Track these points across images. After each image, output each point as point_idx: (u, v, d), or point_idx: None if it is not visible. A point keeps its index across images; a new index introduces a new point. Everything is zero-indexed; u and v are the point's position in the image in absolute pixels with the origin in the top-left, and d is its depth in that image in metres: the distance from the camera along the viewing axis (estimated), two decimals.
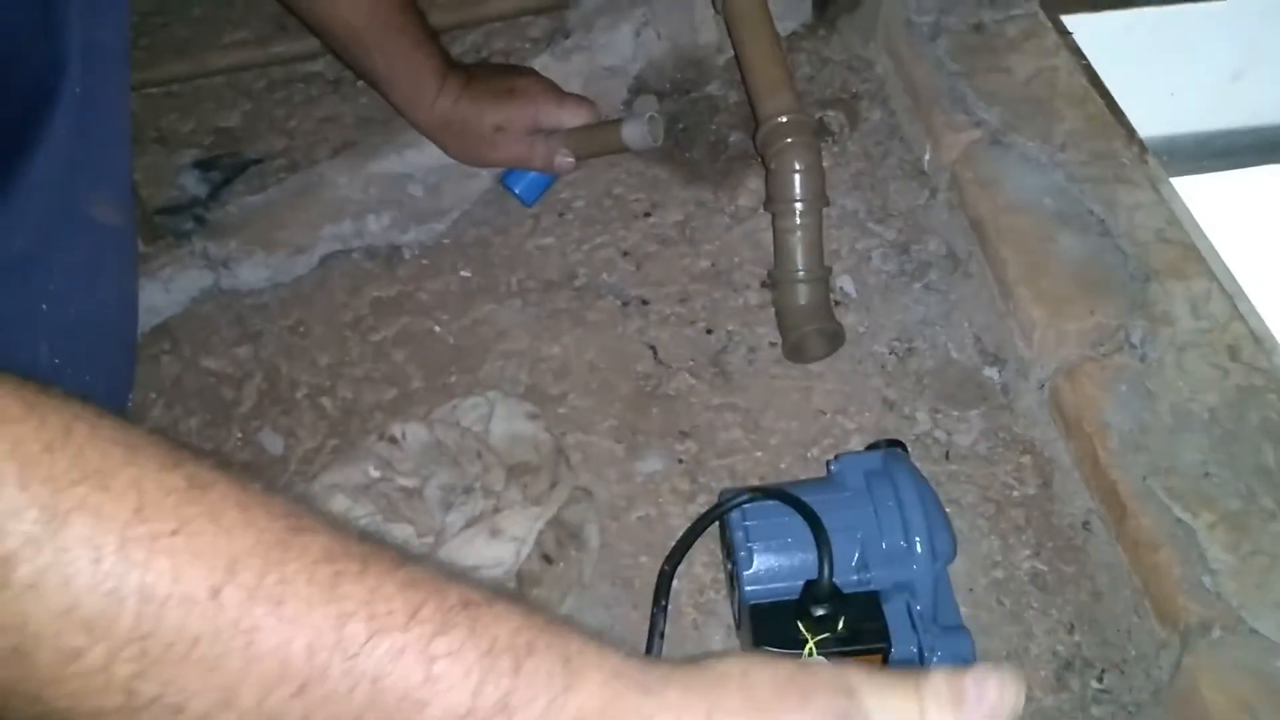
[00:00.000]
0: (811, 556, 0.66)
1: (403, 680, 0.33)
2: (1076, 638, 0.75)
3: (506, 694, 0.34)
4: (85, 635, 0.30)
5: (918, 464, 0.76)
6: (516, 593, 0.75)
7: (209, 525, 0.32)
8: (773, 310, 0.91)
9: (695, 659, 0.40)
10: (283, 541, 0.33)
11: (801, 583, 0.67)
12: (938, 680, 0.41)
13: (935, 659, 0.67)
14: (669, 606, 0.71)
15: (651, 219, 1.00)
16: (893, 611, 0.67)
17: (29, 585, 0.30)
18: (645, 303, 0.94)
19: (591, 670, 0.36)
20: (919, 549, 0.68)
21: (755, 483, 0.83)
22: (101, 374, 0.66)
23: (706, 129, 1.06)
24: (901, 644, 0.66)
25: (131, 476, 0.32)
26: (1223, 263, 0.92)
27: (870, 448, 0.79)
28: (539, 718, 0.35)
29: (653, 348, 0.91)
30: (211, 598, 0.31)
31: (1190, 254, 0.87)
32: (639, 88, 1.09)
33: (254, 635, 0.32)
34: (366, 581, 0.34)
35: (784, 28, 1.09)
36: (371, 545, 0.35)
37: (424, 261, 0.98)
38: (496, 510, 0.78)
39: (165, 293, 0.94)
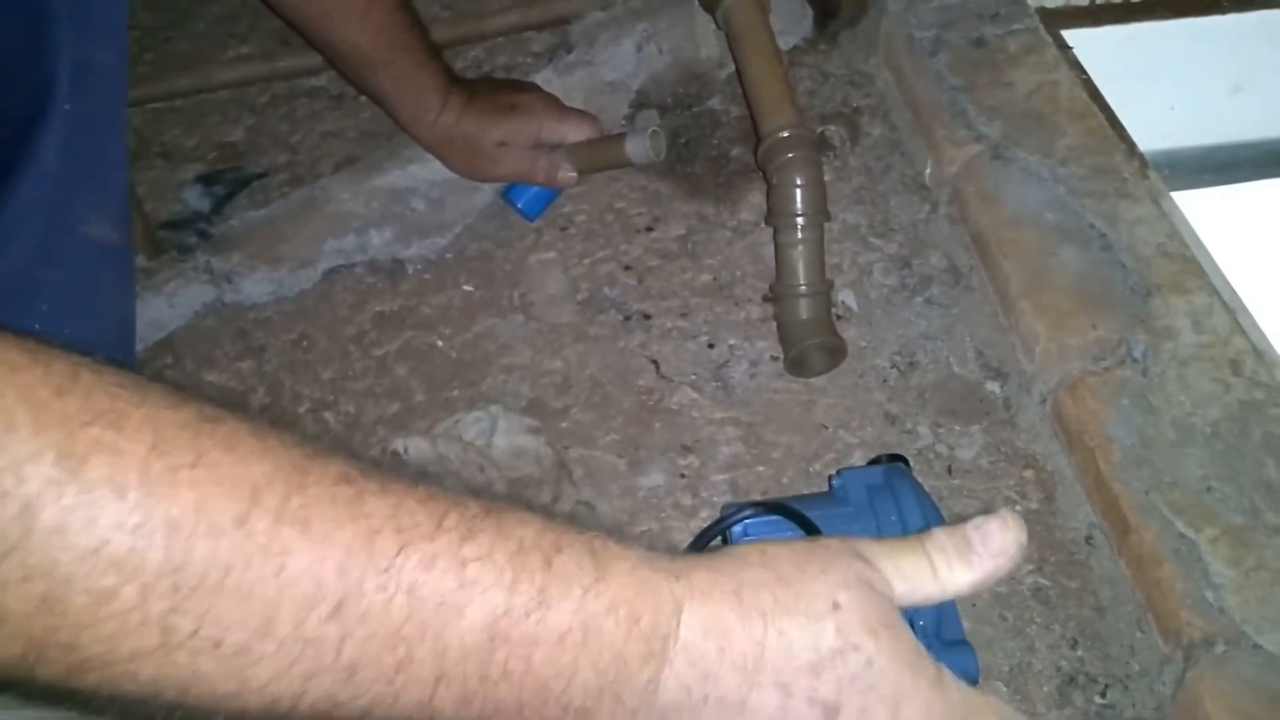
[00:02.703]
0: None
1: (438, 587, 0.33)
2: (1079, 653, 0.75)
3: (541, 589, 0.35)
4: (116, 574, 0.30)
5: (920, 478, 0.76)
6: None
7: (226, 455, 0.32)
8: (774, 324, 0.91)
9: (710, 551, 0.41)
10: (300, 467, 0.33)
11: None
12: (940, 536, 0.42)
13: None
14: None
15: (653, 233, 1.00)
16: None
17: (54, 529, 0.29)
18: (647, 317, 0.94)
19: (619, 561, 0.37)
20: None
21: (757, 497, 0.83)
22: None
23: (708, 143, 1.06)
24: None
25: (143, 415, 0.31)
26: (1224, 277, 0.92)
27: (872, 462, 0.78)
28: (575, 609, 0.35)
29: (655, 362, 0.91)
30: (238, 525, 0.31)
31: (1191, 268, 0.87)
32: (641, 102, 1.09)
33: (284, 559, 0.32)
34: (388, 499, 0.34)
35: (785, 42, 1.10)
36: (384, 470, 0.36)
37: (426, 276, 0.99)
38: None
39: (169, 307, 0.95)
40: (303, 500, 0.32)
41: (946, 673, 0.40)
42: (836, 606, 0.38)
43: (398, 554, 0.33)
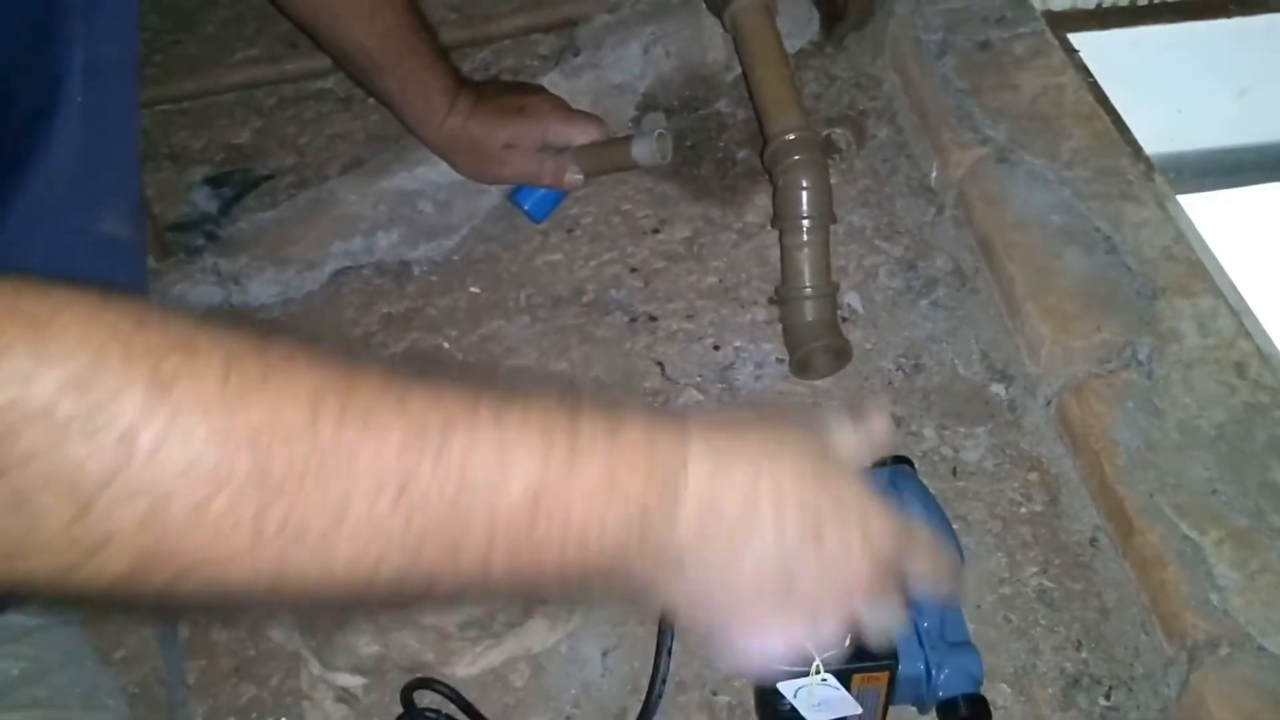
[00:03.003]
0: None
1: (484, 466, 0.38)
2: (1084, 655, 0.75)
3: (569, 456, 0.40)
4: (209, 484, 0.33)
5: (925, 480, 0.77)
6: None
7: (287, 372, 0.35)
8: (780, 326, 0.91)
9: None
10: (347, 376, 0.37)
11: None
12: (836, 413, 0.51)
13: (943, 675, 0.67)
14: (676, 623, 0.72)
15: (659, 235, 1.00)
16: (900, 628, 0.67)
17: (152, 451, 0.32)
18: (653, 319, 0.95)
19: (630, 423, 0.42)
20: None
21: None
22: None
23: (714, 146, 1.07)
24: (909, 661, 0.66)
25: (212, 343, 0.34)
26: (1229, 280, 0.92)
27: (877, 464, 0.79)
28: (600, 470, 0.40)
29: (660, 363, 0.92)
30: (309, 429, 0.35)
31: (1197, 271, 0.87)
32: (647, 105, 1.09)
33: (352, 453, 0.35)
34: (426, 395, 0.38)
35: (792, 45, 1.10)
36: (415, 369, 0.39)
37: (433, 278, 0.99)
38: None
39: None
40: (358, 403, 0.36)
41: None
42: (809, 450, 0.46)
43: (444, 441, 0.37)
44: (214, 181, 1.03)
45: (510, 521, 0.38)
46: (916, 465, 0.79)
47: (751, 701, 0.72)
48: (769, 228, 0.98)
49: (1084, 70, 1.06)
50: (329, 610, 0.41)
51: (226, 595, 0.35)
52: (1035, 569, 0.79)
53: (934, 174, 1.01)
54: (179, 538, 0.33)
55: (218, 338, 0.35)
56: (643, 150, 0.95)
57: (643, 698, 0.71)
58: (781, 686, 0.65)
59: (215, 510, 0.33)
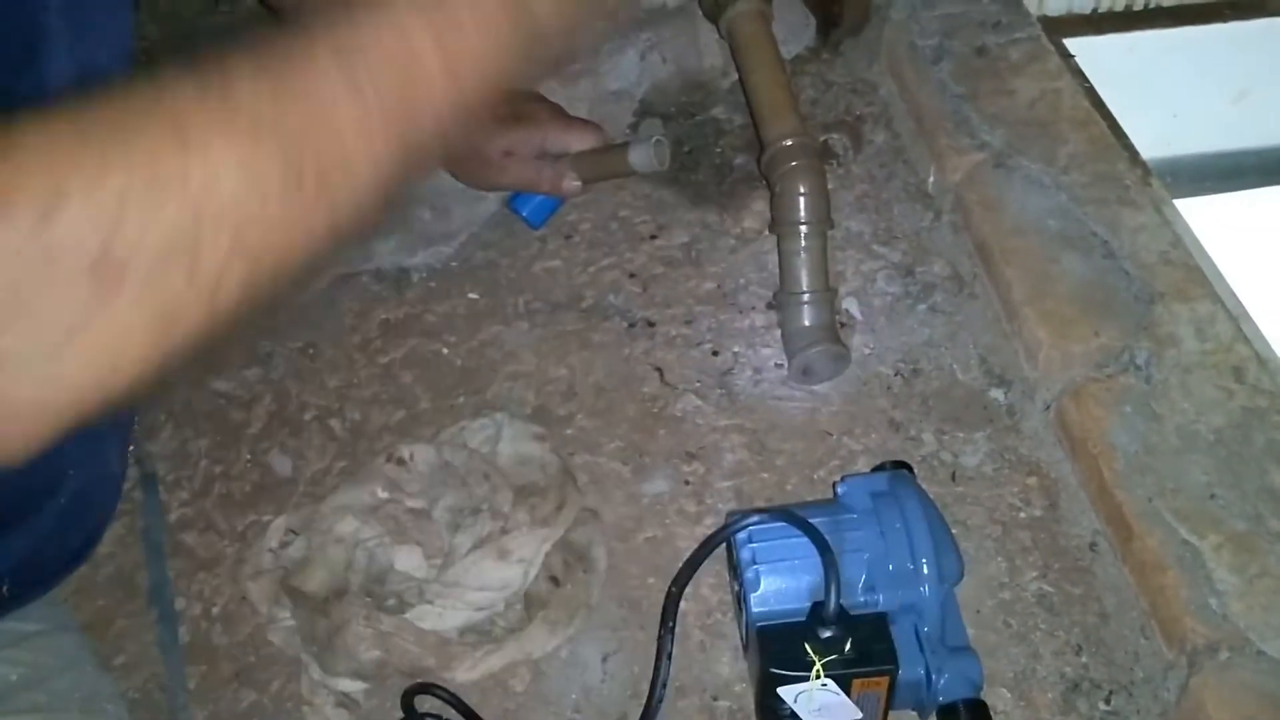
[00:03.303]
0: (818, 578, 0.67)
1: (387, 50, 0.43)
2: (1084, 659, 0.75)
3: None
4: (261, 186, 0.39)
5: (924, 485, 0.77)
6: None
7: (231, 89, 0.41)
8: (778, 332, 0.92)
9: None
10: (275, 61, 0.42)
11: (809, 604, 0.67)
12: None
13: (943, 680, 0.67)
14: (676, 628, 0.72)
15: (657, 241, 1.01)
16: (900, 633, 0.67)
17: (209, 186, 0.38)
18: (651, 324, 0.95)
19: None
20: (926, 570, 0.69)
21: (761, 504, 0.83)
22: None
23: (712, 152, 1.07)
24: (909, 665, 0.66)
25: (175, 101, 0.39)
26: (1227, 284, 0.92)
27: (876, 469, 0.79)
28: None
29: (659, 369, 0.92)
30: (280, 112, 0.40)
31: (1194, 276, 0.88)
32: (645, 111, 1.10)
33: (329, 99, 0.41)
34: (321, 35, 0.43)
35: (788, 51, 1.10)
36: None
37: (432, 284, 0.99)
38: (504, 531, 0.78)
39: None
40: (288, 68, 0.42)
41: None
42: None
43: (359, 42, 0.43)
44: None
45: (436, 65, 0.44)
46: (915, 470, 0.79)
47: (752, 706, 0.72)
48: (767, 233, 0.98)
49: (1080, 75, 1.07)
50: (369, 226, 0.45)
51: (304, 269, 0.42)
52: (1035, 573, 0.79)
53: (931, 179, 1.01)
54: (259, 235, 0.39)
55: (176, 97, 0.39)
56: (640, 156, 0.95)
57: (643, 702, 0.72)
58: (781, 691, 0.65)
59: (272, 194, 0.39)
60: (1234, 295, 0.92)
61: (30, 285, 0.34)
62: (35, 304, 0.35)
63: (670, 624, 0.71)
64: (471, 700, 0.74)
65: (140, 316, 0.37)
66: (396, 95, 0.43)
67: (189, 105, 0.38)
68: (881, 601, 0.69)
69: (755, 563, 0.69)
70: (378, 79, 0.42)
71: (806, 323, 0.88)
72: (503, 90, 0.48)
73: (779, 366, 0.91)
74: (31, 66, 0.53)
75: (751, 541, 0.70)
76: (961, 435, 0.86)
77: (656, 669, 0.71)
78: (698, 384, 0.91)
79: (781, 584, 0.69)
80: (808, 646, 0.65)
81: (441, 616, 0.75)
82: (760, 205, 1.01)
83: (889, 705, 0.68)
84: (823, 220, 0.88)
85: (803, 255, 0.88)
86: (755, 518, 0.70)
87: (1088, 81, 1.06)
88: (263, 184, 0.39)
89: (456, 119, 0.46)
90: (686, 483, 0.85)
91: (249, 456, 0.89)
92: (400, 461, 0.83)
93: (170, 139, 0.37)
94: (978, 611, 0.77)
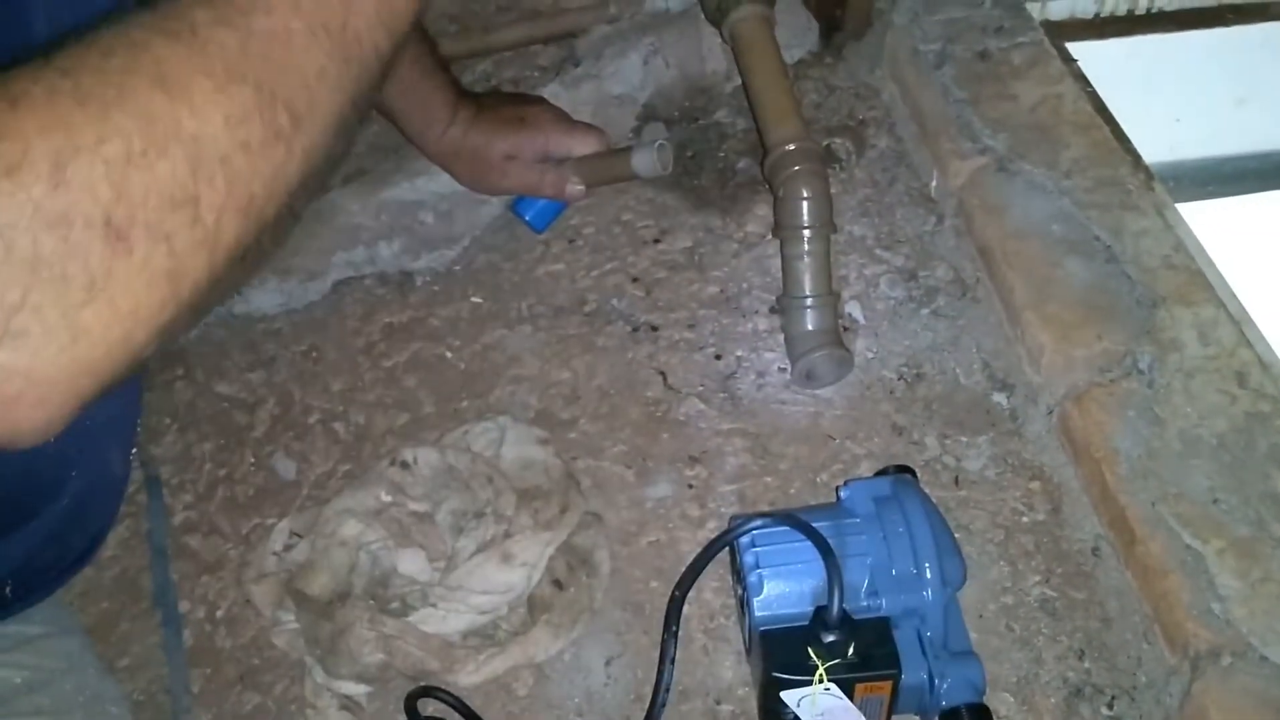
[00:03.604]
0: (821, 582, 0.67)
1: None
2: (1086, 664, 0.75)
3: None
4: (239, 127, 0.39)
5: (927, 490, 0.77)
6: None
7: (240, 13, 0.41)
8: (781, 336, 0.92)
9: None
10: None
11: (812, 608, 0.67)
12: None
13: (945, 685, 0.67)
14: (679, 632, 0.72)
15: (660, 245, 1.01)
16: (903, 637, 0.67)
17: (197, 134, 0.38)
18: (655, 328, 0.95)
19: None
20: (929, 575, 0.69)
21: (765, 508, 0.83)
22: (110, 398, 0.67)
23: (715, 156, 1.07)
24: (912, 670, 0.66)
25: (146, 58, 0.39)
26: (1229, 288, 0.92)
27: (879, 473, 0.79)
28: None
29: (662, 373, 0.92)
30: (246, 50, 0.40)
31: (1197, 280, 0.88)
32: (648, 115, 1.10)
33: (281, 36, 0.41)
34: None
35: (791, 55, 1.10)
36: None
37: (435, 288, 0.99)
38: (507, 535, 0.78)
39: None
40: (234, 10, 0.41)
41: None
42: None
43: None
44: None
45: None
46: (918, 474, 0.80)
47: (755, 710, 0.72)
48: (770, 237, 0.98)
49: (1083, 79, 1.07)
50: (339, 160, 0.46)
51: (285, 217, 0.42)
52: (1037, 578, 0.79)
53: (934, 183, 1.01)
54: (248, 181, 0.39)
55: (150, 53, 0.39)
56: (643, 161, 0.95)
57: (646, 706, 0.72)
58: (785, 695, 0.65)
59: (254, 139, 0.39)
60: (1237, 299, 0.92)
61: (49, 245, 0.35)
62: (55, 264, 0.35)
63: (673, 628, 0.71)
64: (474, 703, 0.74)
65: (153, 272, 0.37)
66: (339, 25, 0.44)
67: (166, 54, 0.39)
68: (884, 606, 0.69)
69: (758, 567, 0.69)
70: (322, 10, 0.43)
71: (809, 327, 0.88)
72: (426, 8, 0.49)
73: (782, 370, 0.91)
74: (15, 28, 0.53)
75: (755, 546, 0.70)
76: (964, 439, 0.86)
77: (659, 673, 0.71)
78: (701, 388, 0.91)
79: (784, 588, 0.69)
80: (811, 651, 0.65)
81: (445, 620, 0.75)
82: (763, 209, 1.01)
83: (892, 709, 0.68)
84: (825, 224, 0.89)
85: (806, 259, 0.88)
86: (758, 522, 0.70)
87: (1090, 86, 1.07)
88: (245, 129, 0.39)
89: (391, 42, 0.47)
90: (690, 486, 0.85)
91: (253, 460, 0.89)
92: (404, 465, 0.83)
93: (160, 92, 0.37)
94: (980, 616, 0.77)
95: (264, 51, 0.41)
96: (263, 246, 0.43)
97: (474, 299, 0.98)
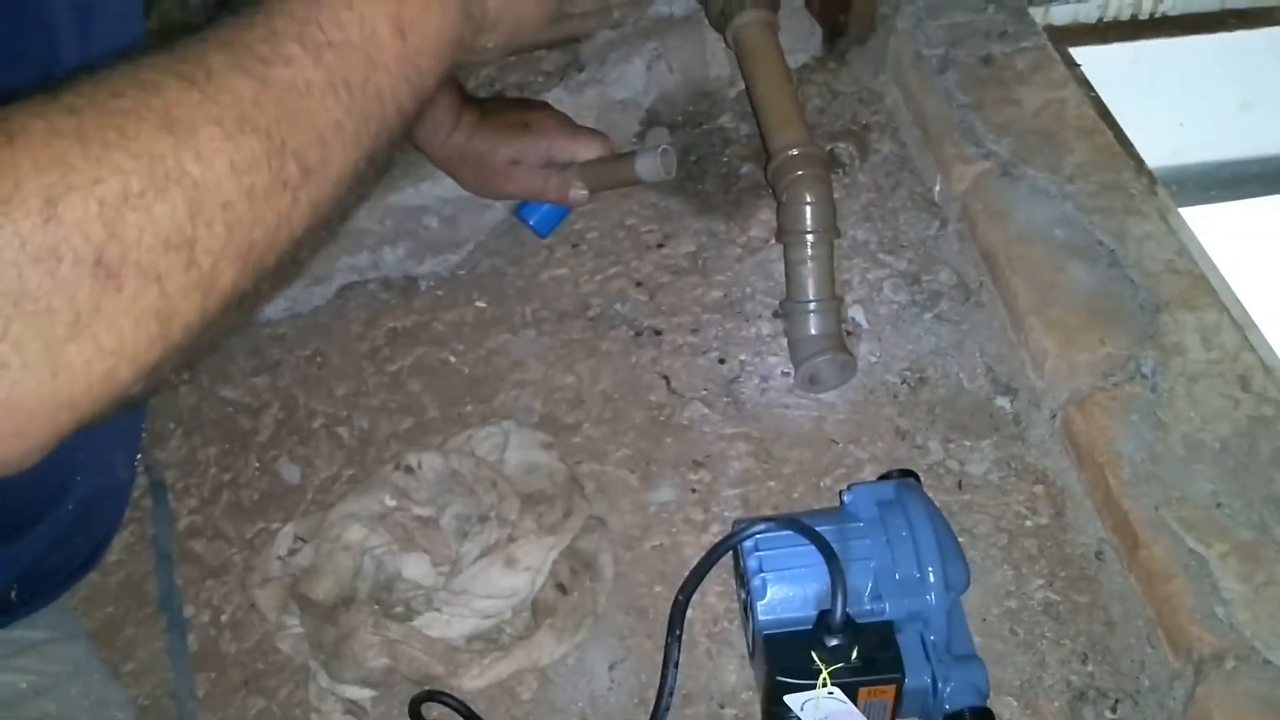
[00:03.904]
0: (825, 586, 0.67)
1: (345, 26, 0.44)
2: (1090, 668, 0.75)
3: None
4: (244, 173, 0.40)
5: (930, 494, 0.77)
6: None
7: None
8: (785, 340, 0.92)
9: None
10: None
11: (815, 612, 0.67)
12: None
13: (949, 688, 0.67)
14: (683, 636, 0.72)
15: (664, 250, 1.01)
16: (906, 641, 0.67)
17: (200, 179, 0.39)
18: (658, 333, 0.95)
19: None
20: (932, 579, 0.69)
21: (768, 512, 0.83)
22: None
23: (718, 161, 1.07)
24: (915, 674, 0.66)
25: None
26: (1232, 293, 0.92)
27: (883, 477, 0.79)
28: None
29: (666, 377, 0.92)
30: (263, 97, 0.41)
31: (1200, 284, 0.88)
32: (651, 120, 1.10)
33: (302, 86, 0.42)
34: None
35: (794, 60, 1.11)
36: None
37: (439, 292, 1.00)
38: (511, 539, 0.78)
39: None
40: (255, 51, 0.42)
41: None
42: None
43: (310, 36, 0.43)
44: None
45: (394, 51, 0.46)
46: (922, 478, 0.80)
47: (758, 714, 0.72)
48: (773, 242, 0.98)
49: (1086, 84, 1.07)
50: (348, 213, 0.47)
51: (289, 263, 0.43)
52: (1041, 582, 0.79)
53: (937, 188, 1.01)
54: (249, 228, 0.40)
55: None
56: (647, 165, 0.95)
57: (650, 710, 0.72)
58: (788, 699, 0.65)
59: (259, 186, 0.40)
60: (1240, 304, 0.92)
61: (35, 279, 0.35)
62: (40, 298, 0.35)
63: (677, 632, 0.71)
64: (479, 708, 0.74)
65: (141, 311, 0.37)
66: (361, 80, 0.44)
67: (177, 98, 0.39)
68: (888, 610, 0.69)
69: (762, 571, 0.69)
70: (344, 65, 0.44)
71: (813, 331, 0.88)
72: (455, 70, 0.50)
73: (785, 375, 0.91)
74: (44, 63, 0.54)
75: (758, 550, 0.71)
76: (968, 444, 0.87)
77: (663, 677, 0.71)
78: (704, 392, 0.91)
79: (788, 592, 0.69)
80: (814, 655, 0.65)
81: (449, 624, 0.76)
82: (767, 214, 1.02)
83: (895, 713, 0.68)
84: (829, 229, 0.89)
85: (809, 264, 0.88)
86: (762, 526, 0.70)
87: (1093, 90, 1.07)
88: (251, 177, 0.40)
89: (415, 100, 0.47)
90: (693, 491, 0.85)
91: (257, 464, 0.89)
92: (408, 469, 0.84)
93: (165, 135, 0.38)
94: (984, 620, 0.77)
95: (279, 101, 0.41)
96: (262, 292, 0.43)
97: (478, 304, 0.98)
